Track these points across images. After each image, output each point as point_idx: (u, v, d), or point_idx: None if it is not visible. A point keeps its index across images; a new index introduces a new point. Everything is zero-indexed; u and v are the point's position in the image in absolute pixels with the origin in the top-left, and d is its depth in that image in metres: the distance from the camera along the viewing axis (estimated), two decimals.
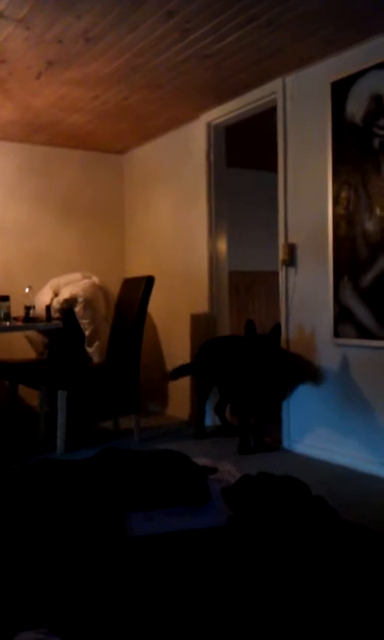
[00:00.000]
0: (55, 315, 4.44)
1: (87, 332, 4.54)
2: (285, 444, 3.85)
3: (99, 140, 5.10)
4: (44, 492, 2.40)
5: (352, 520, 2.41)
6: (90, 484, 2.47)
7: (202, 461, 2.83)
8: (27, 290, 4.18)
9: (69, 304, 4.51)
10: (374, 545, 2.15)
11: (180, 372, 4.36)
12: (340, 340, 3.41)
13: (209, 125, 4.42)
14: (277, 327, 3.66)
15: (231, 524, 2.27)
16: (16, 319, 4.09)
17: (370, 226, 3.21)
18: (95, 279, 4.82)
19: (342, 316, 3.39)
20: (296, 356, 3.74)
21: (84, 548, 2.10)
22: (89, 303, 4.53)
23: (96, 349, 4.57)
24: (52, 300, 4.53)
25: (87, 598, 1.77)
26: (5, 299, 3.97)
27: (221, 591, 1.81)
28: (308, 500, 2.36)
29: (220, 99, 4.14)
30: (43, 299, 4.55)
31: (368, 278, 3.24)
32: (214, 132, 4.43)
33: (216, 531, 2.23)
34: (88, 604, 1.74)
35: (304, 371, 3.69)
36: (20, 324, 4.07)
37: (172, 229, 4.95)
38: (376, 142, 3.16)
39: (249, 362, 3.63)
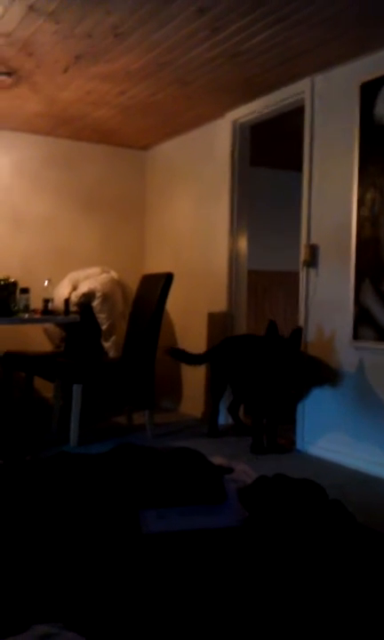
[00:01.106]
0: (73, 308, 4.46)
1: (104, 327, 4.56)
2: (299, 445, 3.83)
3: (123, 136, 5.10)
4: (60, 485, 2.41)
5: (365, 524, 2.40)
6: (105, 478, 2.47)
7: (217, 460, 2.83)
8: (46, 283, 4.20)
9: (87, 298, 4.52)
10: None
11: (179, 355, 4.34)
12: (359, 343, 3.39)
13: (234, 124, 4.40)
14: (298, 331, 3.65)
15: (246, 524, 2.26)
16: (35, 311, 4.12)
17: None
18: (114, 274, 4.83)
19: (362, 319, 3.37)
20: (314, 357, 3.72)
21: (97, 542, 2.11)
22: (107, 298, 4.54)
23: (112, 344, 4.58)
24: (70, 293, 4.55)
25: (100, 593, 1.78)
26: (25, 291, 3.99)
27: (234, 591, 1.80)
28: (324, 504, 2.35)
29: (247, 97, 4.12)
30: (61, 292, 4.57)
31: None
32: (239, 130, 4.41)
33: (231, 531, 2.23)
34: (101, 599, 1.74)
35: (321, 373, 3.67)
36: (38, 316, 4.09)
37: (192, 227, 4.94)
38: None
39: (268, 363, 3.62)
